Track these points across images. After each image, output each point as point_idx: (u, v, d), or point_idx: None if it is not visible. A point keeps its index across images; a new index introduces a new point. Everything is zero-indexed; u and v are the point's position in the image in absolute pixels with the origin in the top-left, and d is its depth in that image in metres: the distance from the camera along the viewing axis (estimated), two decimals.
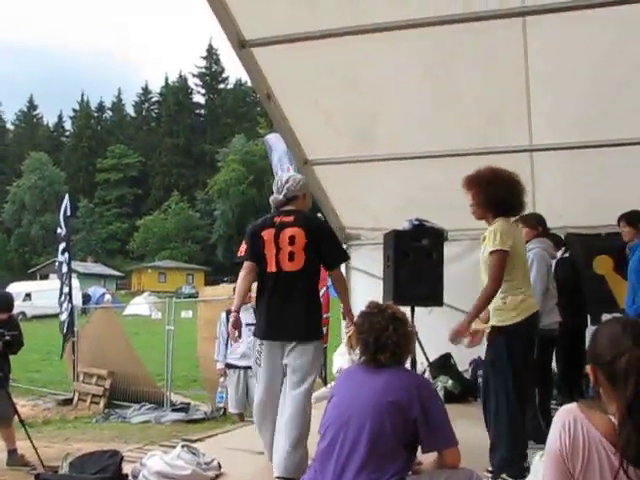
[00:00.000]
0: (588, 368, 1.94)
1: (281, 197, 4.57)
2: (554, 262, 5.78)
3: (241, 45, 5.39)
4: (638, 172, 6.27)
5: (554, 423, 1.93)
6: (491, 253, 4.13)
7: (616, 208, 6.09)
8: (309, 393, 4.38)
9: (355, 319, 3.30)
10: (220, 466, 4.47)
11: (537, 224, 5.53)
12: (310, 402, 4.39)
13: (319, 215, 7.88)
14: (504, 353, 4.12)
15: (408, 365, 5.50)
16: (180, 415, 10.57)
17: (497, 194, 4.21)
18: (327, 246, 4.46)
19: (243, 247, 4.79)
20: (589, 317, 6.74)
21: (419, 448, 3.03)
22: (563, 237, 6.72)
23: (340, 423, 2.96)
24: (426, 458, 3.11)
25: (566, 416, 1.90)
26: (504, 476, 4.04)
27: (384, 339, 3.08)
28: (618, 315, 5.87)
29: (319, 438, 3.12)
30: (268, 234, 4.41)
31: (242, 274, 4.55)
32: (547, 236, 5.64)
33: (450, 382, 7.15)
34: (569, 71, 5.40)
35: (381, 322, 3.12)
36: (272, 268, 4.38)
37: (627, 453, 1.79)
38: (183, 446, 4.55)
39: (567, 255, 6.58)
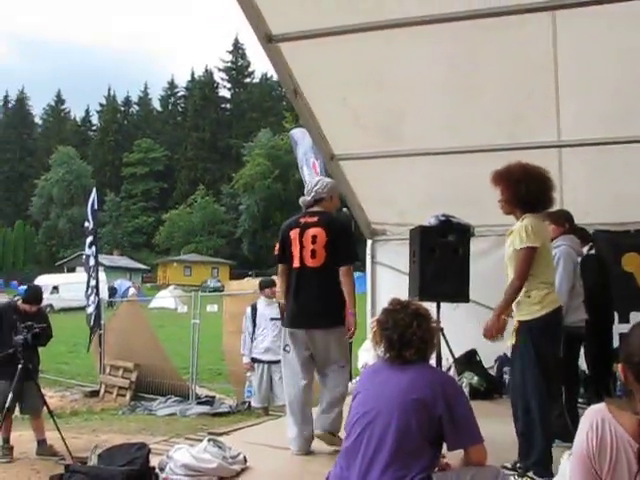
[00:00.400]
0: (619, 367, 1.93)
1: (309, 199, 5.01)
2: (580, 259, 5.71)
3: (268, 40, 5.40)
4: None
5: (582, 423, 1.92)
6: (520, 250, 4.11)
7: None
8: (344, 369, 4.83)
9: (378, 316, 3.31)
10: (246, 460, 4.49)
11: (564, 221, 5.46)
12: (347, 376, 4.84)
13: (345, 210, 7.89)
14: (531, 347, 4.09)
15: (433, 361, 5.51)
16: (205, 408, 10.64)
17: (527, 190, 4.18)
18: (341, 245, 4.82)
19: (277, 245, 5.23)
20: (616, 315, 6.66)
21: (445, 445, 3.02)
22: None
23: (366, 421, 2.97)
24: (453, 455, 3.10)
25: (594, 416, 1.89)
26: (531, 474, 4.01)
27: (409, 335, 3.07)
28: None
29: (345, 435, 3.13)
30: (294, 233, 4.86)
31: (279, 276, 5.16)
32: (574, 232, 5.57)
33: (475, 379, 7.10)
34: (599, 66, 5.32)
35: (405, 318, 3.12)
36: (297, 264, 4.85)
37: None
38: (209, 440, 4.57)
39: (593, 252, 6.51)
